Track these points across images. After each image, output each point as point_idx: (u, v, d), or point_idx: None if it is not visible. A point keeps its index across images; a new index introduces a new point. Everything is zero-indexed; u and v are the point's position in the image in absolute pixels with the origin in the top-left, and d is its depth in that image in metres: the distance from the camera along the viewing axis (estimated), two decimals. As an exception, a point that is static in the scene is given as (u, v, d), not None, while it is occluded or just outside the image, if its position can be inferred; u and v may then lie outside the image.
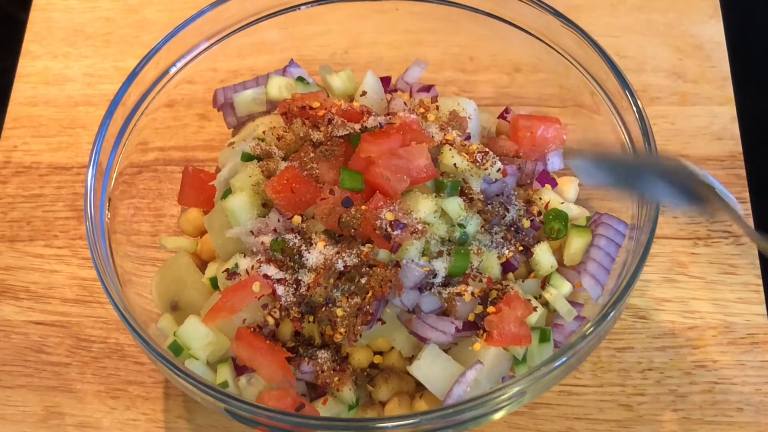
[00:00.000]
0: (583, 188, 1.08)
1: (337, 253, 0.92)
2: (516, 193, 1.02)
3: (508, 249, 0.96)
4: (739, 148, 1.19)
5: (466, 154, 0.98)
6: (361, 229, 0.92)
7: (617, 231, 0.98)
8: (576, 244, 0.99)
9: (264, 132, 1.04)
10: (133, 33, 1.34)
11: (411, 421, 0.83)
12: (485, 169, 0.97)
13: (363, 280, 0.91)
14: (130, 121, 1.03)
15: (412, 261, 0.92)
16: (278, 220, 0.95)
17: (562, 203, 1.03)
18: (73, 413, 1.06)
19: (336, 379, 0.93)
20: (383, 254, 0.92)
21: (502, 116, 1.12)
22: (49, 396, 1.07)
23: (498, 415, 0.88)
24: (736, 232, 1.13)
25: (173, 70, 1.07)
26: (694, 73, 1.25)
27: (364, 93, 1.08)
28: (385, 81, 1.13)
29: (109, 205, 0.99)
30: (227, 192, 0.99)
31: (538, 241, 0.99)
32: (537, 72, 1.15)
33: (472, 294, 0.93)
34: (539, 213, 1.02)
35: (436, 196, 0.95)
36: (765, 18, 1.40)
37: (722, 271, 1.11)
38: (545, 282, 0.99)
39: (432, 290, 0.93)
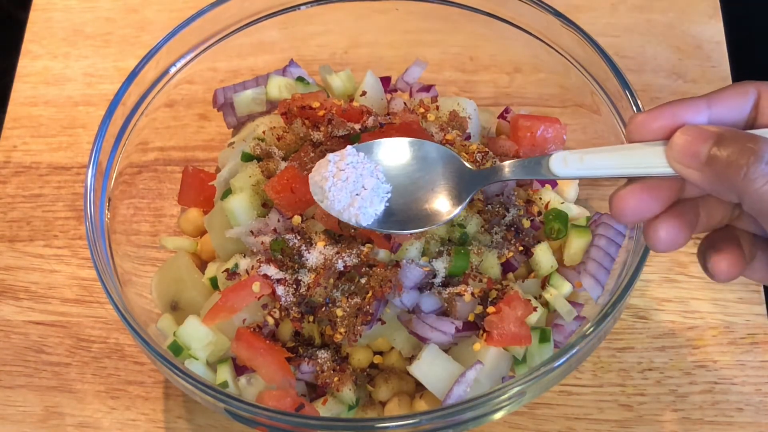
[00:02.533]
0: (582, 188, 1.08)
1: (337, 253, 0.92)
2: (516, 193, 1.01)
3: (508, 249, 0.96)
4: (739, 148, 1.19)
5: (466, 154, 0.98)
6: (360, 229, 0.92)
7: (617, 231, 0.98)
8: (576, 244, 0.99)
9: (264, 132, 1.04)
10: (133, 33, 1.34)
11: (411, 421, 0.83)
12: (485, 169, 0.97)
13: (363, 280, 0.91)
14: (130, 121, 1.03)
15: (412, 261, 0.92)
16: (278, 220, 0.95)
17: (562, 203, 1.03)
18: (73, 413, 1.06)
19: (336, 379, 0.93)
20: (383, 254, 0.92)
21: (502, 116, 1.12)
22: (49, 396, 1.07)
23: (498, 415, 0.88)
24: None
25: (173, 70, 1.07)
26: (694, 73, 1.25)
27: (364, 93, 1.08)
28: (385, 81, 1.13)
29: (109, 205, 0.99)
30: (227, 192, 0.99)
31: (538, 241, 0.99)
32: (537, 72, 1.14)
33: (472, 294, 0.92)
34: (539, 213, 1.02)
35: (436, 196, 0.95)
36: (765, 18, 1.40)
37: (722, 271, 1.11)
38: (545, 282, 0.99)
39: (432, 290, 0.93)
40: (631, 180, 0.72)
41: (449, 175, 0.86)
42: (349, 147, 0.87)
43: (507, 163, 0.80)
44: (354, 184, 0.85)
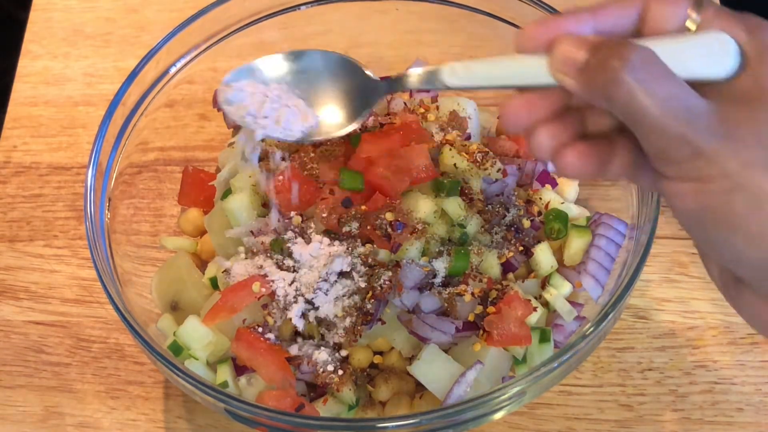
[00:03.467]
0: (582, 188, 1.08)
1: (337, 253, 0.92)
2: (516, 193, 1.02)
3: (508, 249, 0.96)
4: (739, 148, 1.19)
5: (466, 154, 0.98)
6: (361, 229, 0.92)
7: (617, 231, 0.98)
8: (576, 244, 0.99)
9: (264, 132, 1.04)
10: (133, 33, 1.34)
11: (411, 421, 0.83)
12: (485, 169, 0.97)
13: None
14: (130, 121, 1.03)
15: (412, 261, 0.92)
16: (278, 220, 0.95)
17: (562, 203, 1.03)
18: (73, 413, 1.06)
19: (336, 379, 0.93)
20: (383, 254, 0.92)
21: (502, 116, 1.12)
22: (49, 396, 1.07)
23: (498, 415, 0.88)
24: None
25: (173, 70, 1.06)
26: (694, 73, 1.25)
27: (364, 93, 1.08)
28: (385, 81, 1.12)
29: (109, 205, 0.99)
30: (227, 192, 0.99)
31: (539, 241, 0.99)
32: (537, 72, 1.14)
33: (472, 294, 0.93)
34: (539, 213, 1.02)
35: (436, 197, 0.95)
36: (765, 18, 1.40)
37: (722, 271, 1.11)
38: (545, 282, 0.99)
39: (432, 290, 0.93)
40: (518, 91, 0.72)
41: (350, 85, 0.85)
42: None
43: (409, 72, 0.79)
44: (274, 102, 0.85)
